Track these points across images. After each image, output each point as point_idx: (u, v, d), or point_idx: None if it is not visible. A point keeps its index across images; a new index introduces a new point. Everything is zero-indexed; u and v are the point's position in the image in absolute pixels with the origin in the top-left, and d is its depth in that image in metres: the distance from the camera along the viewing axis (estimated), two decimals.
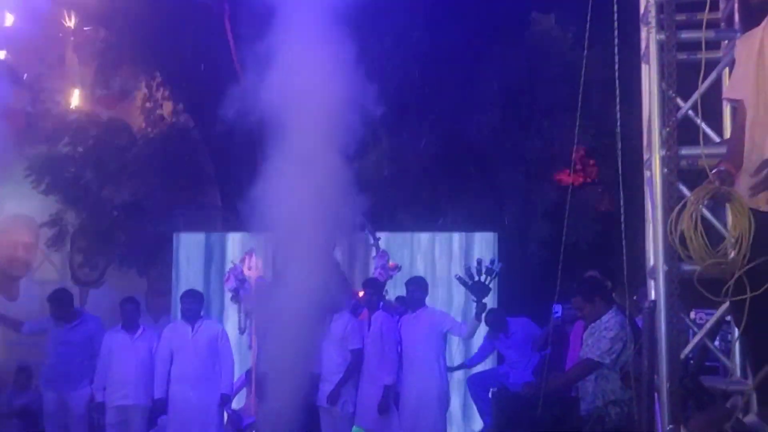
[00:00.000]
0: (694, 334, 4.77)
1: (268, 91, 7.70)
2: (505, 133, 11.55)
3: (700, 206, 3.65)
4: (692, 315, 8.06)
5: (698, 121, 4.58)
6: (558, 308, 8.46)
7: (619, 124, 5.01)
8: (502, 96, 11.35)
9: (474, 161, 11.83)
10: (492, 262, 8.66)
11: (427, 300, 8.57)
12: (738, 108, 3.91)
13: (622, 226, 4.88)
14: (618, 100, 5.01)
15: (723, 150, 4.14)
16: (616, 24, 4.89)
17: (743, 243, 3.56)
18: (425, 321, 8.31)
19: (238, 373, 9.30)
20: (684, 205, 3.71)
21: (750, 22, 4.17)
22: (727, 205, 3.71)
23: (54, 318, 9.07)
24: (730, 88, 3.90)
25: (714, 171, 3.76)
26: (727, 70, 4.71)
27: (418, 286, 8.45)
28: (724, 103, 4.80)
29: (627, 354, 6.32)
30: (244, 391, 9.69)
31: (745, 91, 3.79)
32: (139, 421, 8.87)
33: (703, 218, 3.83)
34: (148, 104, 11.94)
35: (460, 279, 8.54)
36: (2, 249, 12.23)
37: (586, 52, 5.37)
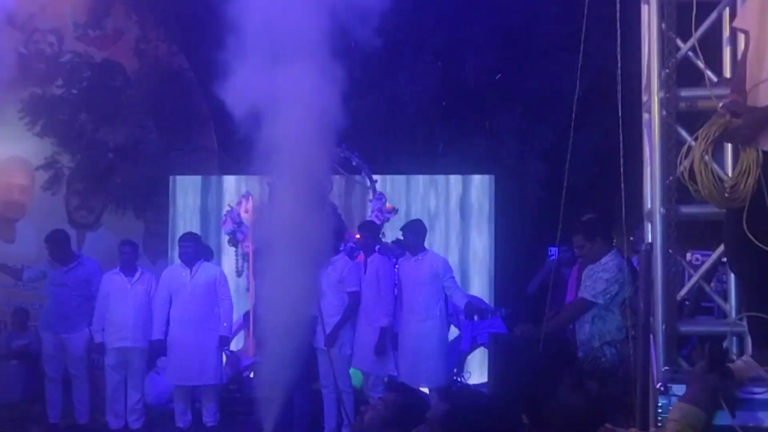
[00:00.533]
0: (690, 276, 4.79)
1: (262, 32, 7.60)
2: (502, 74, 11.45)
3: (711, 141, 3.62)
4: (689, 256, 8.07)
5: (698, 62, 4.53)
6: (554, 251, 8.46)
7: (620, 65, 4.96)
8: (499, 36, 11.21)
9: (471, 103, 11.74)
10: (485, 310, 8.59)
11: (426, 243, 8.55)
12: (744, 38, 3.86)
13: (621, 168, 4.86)
14: (619, 40, 4.95)
15: (724, 91, 4.10)
16: None
17: (750, 175, 3.54)
18: (426, 265, 8.28)
19: (236, 315, 9.36)
20: (696, 139, 3.70)
21: None
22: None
23: (51, 259, 9.10)
24: (740, 17, 3.86)
25: (722, 104, 3.74)
26: (727, 10, 4.64)
27: (415, 232, 8.40)
28: (724, 43, 4.74)
29: (624, 295, 6.36)
30: (242, 333, 9.77)
31: (751, 23, 3.74)
32: (138, 363, 8.96)
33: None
34: (142, 45, 11.79)
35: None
36: None
37: None
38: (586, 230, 6.74)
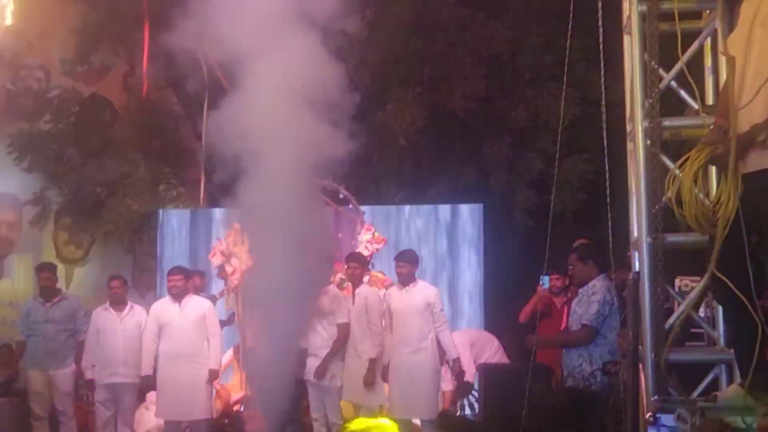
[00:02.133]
0: (679, 303, 4.80)
1: (249, 66, 7.64)
2: (489, 104, 11.50)
3: (698, 168, 3.67)
4: (678, 282, 8.09)
5: (681, 91, 4.58)
6: (545, 279, 8.46)
7: (603, 95, 4.99)
8: (486, 66, 11.29)
9: (459, 132, 11.79)
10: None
11: (417, 273, 8.51)
12: (730, 65, 3.91)
13: (608, 197, 4.89)
14: (603, 70, 4.99)
15: (708, 120, 4.14)
16: None
17: (730, 203, 3.58)
18: (418, 295, 8.24)
19: (225, 348, 9.31)
20: (681, 166, 3.74)
21: None
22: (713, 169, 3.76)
23: (41, 291, 9.06)
24: (729, 42, 3.91)
25: (711, 127, 3.78)
26: (709, 40, 4.69)
27: (407, 261, 8.35)
28: (707, 72, 4.79)
29: (615, 320, 6.39)
30: (231, 367, 9.71)
31: (737, 50, 3.79)
32: (129, 398, 8.89)
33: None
34: (129, 80, 11.82)
35: None
36: None
37: (571, 22, 5.33)
38: (580, 251, 6.80)
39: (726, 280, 3.59)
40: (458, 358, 8.23)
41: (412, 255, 8.48)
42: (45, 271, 9.15)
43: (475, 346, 9.20)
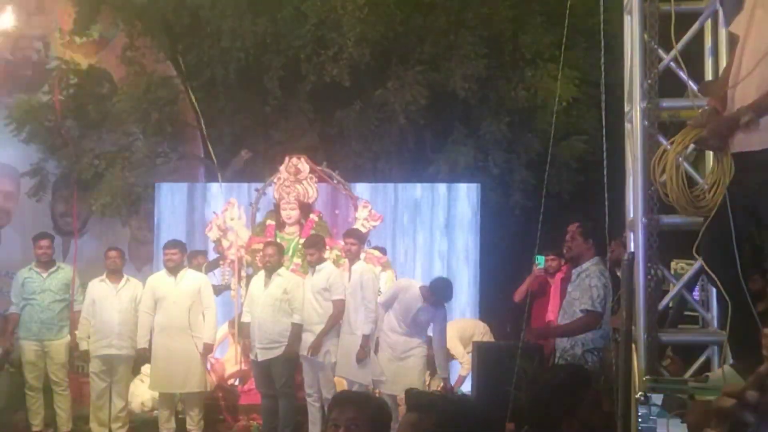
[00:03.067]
0: (674, 285, 4.81)
1: (249, 41, 7.63)
2: (488, 83, 11.48)
3: (684, 149, 3.67)
4: (674, 265, 8.11)
5: (681, 72, 4.56)
6: (540, 259, 8.48)
7: (603, 75, 4.98)
8: (485, 46, 11.25)
9: (457, 112, 11.78)
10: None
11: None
12: (735, 44, 3.90)
13: (605, 178, 4.88)
14: (603, 51, 4.97)
15: (704, 102, 4.13)
16: None
17: (719, 188, 3.59)
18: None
19: (220, 322, 9.34)
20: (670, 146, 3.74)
21: None
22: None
23: (37, 260, 9.05)
24: (735, 22, 3.89)
25: (701, 110, 3.78)
26: (709, 21, 4.68)
27: (443, 290, 8.32)
28: (706, 54, 4.78)
29: (609, 303, 6.39)
30: (227, 341, 9.74)
31: (742, 28, 3.78)
32: (123, 370, 8.92)
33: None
34: (128, 52, 11.77)
35: None
36: None
37: (569, 2, 5.32)
38: (584, 228, 6.68)
39: (702, 262, 3.60)
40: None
41: (447, 284, 8.43)
42: (43, 240, 9.15)
43: (463, 337, 9.29)
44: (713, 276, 3.74)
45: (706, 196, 3.61)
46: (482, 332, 9.39)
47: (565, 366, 5.90)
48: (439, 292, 8.15)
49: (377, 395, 7.60)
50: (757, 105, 3.51)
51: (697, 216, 3.67)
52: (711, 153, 4.29)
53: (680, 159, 3.68)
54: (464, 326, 9.54)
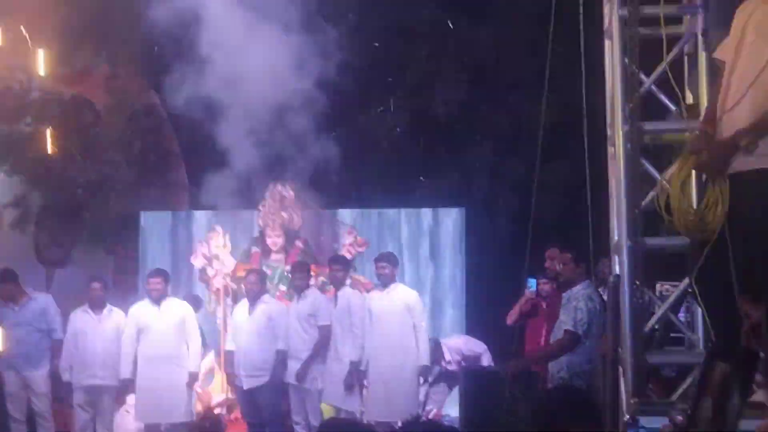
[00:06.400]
0: (659, 307, 4.83)
1: (232, 69, 7.64)
2: (471, 109, 11.55)
3: (688, 176, 3.69)
4: (658, 287, 8.13)
5: (661, 96, 4.61)
6: (532, 282, 8.48)
7: (585, 99, 5.02)
8: (467, 72, 11.33)
9: (441, 137, 11.83)
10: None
11: (397, 277, 8.54)
12: (720, 69, 3.94)
13: (588, 201, 4.92)
14: (584, 75, 5.02)
15: (690, 124, 4.17)
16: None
17: (719, 207, 3.60)
18: (398, 297, 8.26)
19: (205, 351, 9.29)
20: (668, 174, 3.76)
21: None
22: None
23: (1, 299, 8.95)
24: (720, 48, 3.93)
25: (696, 133, 3.80)
26: (700, 39, 4.70)
27: (388, 262, 8.40)
28: (686, 77, 4.83)
29: (595, 326, 6.38)
30: (213, 370, 9.68)
31: (727, 54, 3.82)
32: (107, 401, 8.83)
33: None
34: (111, 82, 11.77)
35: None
36: None
37: (551, 27, 5.37)
38: (578, 252, 6.71)
39: (695, 290, 3.61)
40: (427, 366, 8.24)
41: (392, 256, 8.52)
42: (4, 282, 9.01)
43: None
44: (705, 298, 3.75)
45: (707, 216, 3.62)
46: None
47: (559, 388, 5.88)
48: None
49: (365, 423, 7.57)
50: (755, 127, 3.54)
51: (704, 239, 3.68)
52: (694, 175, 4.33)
53: (683, 186, 3.70)
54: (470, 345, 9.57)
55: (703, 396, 3.06)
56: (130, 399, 8.98)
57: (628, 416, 3.50)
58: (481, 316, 10.43)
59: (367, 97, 11.41)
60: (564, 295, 6.74)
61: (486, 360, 9.23)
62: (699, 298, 3.93)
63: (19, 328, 8.86)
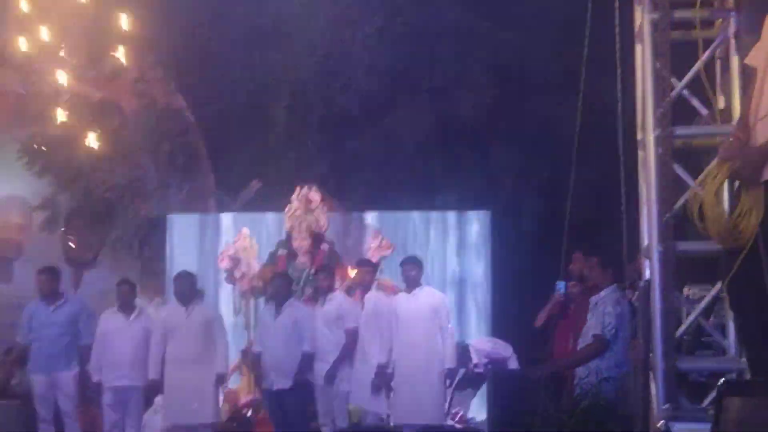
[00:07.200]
0: (689, 312, 4.81)
1: (257, 73, 7.70)
2: (498, 111, 11.54)
3: (720, 183, 3.68)
4: (686, 291, 8.08)
5: (693, 100, 4.59)
6: (561, 285, 8.45)
7: (620, 103, 5.02)
8: (495, 74, 11.33)
9: (467, 139, 11.82)
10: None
11: (423, 279, 8.54)
12: (752, 75, 3.92)
13: (623, 206, 4.89)
14: (619, 78, 5.01)
15: (722, 129, 4.15)
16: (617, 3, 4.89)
17: (753, 215, 3.58)
18: (424, 299, 8.27)
19: (232, 353, 9.33)
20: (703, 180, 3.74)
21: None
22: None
23: (40, 295, 9.05)
24: (751, 53, 3.92)
25: (730, 140, 3.79)
26: (733, 43, 4.67)
27: (414, 265, 8.40)
28: (718, 81, 4.81)
29: (624, 331, 6.37)
30: (239, 371, 9.73)
31: (759, 60, 3.80)
32: (136, 402, 8.88)
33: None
34: (139, 85, 11.86)
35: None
36: None
37: (588, 30, 5.36)
38: (602, 258, 6.70)
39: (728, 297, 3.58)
40: (453, 368, 8.25)
41: (417, 259, 8.53)
42: (44, 274, 9.13)
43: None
44: (737, 304, 3.73)
45: (741, 223, 3.60)
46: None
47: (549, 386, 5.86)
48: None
49: (391, 426, 7.59)
50: None
51: (736, 247, 3.66)
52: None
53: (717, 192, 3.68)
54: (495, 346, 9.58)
55: None
56: (158, 400, 9.04)
57: (661, 422, 3.48)
58: (507, 319, 10.41)
59: (393, 100, 11.42)
60: (592, 299, 6.73)
61: (513, 364, 9.21)
62: (732, 305, 3.92)
63: (51, 328, 8.93)
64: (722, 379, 3.40)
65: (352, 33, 10.70)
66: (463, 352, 8.83)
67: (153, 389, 8.84)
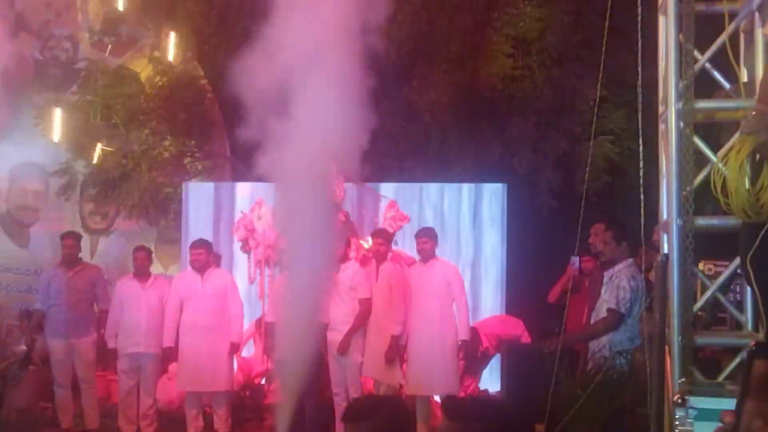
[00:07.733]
0: (706, 287, 4.79)
1: (277, 42, 7.61)
2: (514, 83, 11.44)
3: (745, 156, 3.64)
4: (701, 266, 8.06)
5: (715, 73, 4.54)
6: (575, 260, 8.44)
7: (640, 76, 4.97)
8: (512, 45, 11.22)
9: (483, 112, 11.73)
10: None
11: (437, 251, 8.55)
12: None
13: (641, 180, 4.85)
14: (640, 51, 4.96)
15: (743, 103, 4.11)
16: None
17: None
18: (438, 271, 8.29)
19: (247, 322, 9.37)
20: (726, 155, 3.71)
21: None
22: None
23: (63, 258, 9.13)
24: None
25: (752, 113, 3.74)
26: (757, 16, 4.61)
27: (428, 237, 8.41)
28: (743, 54, 4.75)
29: (639, 306, 6.35)
30: (253, 340, 9.77)
31: None
32: (151, 368, 8.96)
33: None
34: (156, 53, 11.83)
35: None
36: (12, 197, 12.28)
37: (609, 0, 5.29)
38: (617, 230, 6.66)
39: (749, 271, 3.55)
40: (467, 340, 8.28)
41: (432, 231, 8.54)
42: (69, 239, 9.23)
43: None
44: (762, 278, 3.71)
45: (762, 197, 3.57)
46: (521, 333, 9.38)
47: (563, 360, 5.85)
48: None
49: (401, 398, 7.62)
50: None
51: (758, 220, 3.63)
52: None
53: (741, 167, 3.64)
54: (505, 321, 9.55)
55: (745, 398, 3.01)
56: (173, 367, 9.11)
57: (677, 396, 3.47)
58: (522, 293, 10.40)
59: (410, 70, 11.34)
60: (606, 273, 6.72)
61: (524, 340, 9.21)
62: (752, 280, 3.89)
63: (70, 294, 9.02)
64: (753, 341, 3.39)
65: (370, 3, 10.58)
66: (472, 339, 8.76)
67: (168, 356, 8.92)
